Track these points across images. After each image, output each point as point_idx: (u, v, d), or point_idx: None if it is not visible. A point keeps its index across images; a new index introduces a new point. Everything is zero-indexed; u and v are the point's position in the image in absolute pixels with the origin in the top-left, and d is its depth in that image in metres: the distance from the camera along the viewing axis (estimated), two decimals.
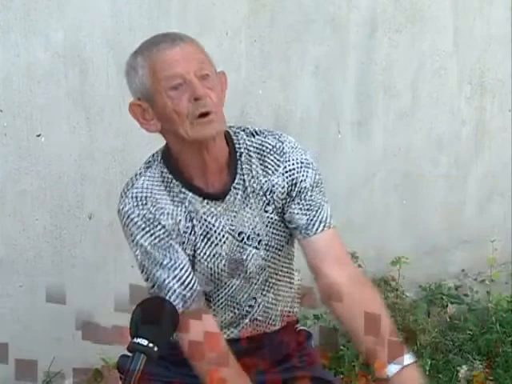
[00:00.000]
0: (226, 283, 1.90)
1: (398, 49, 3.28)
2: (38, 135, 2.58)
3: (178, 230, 1.84)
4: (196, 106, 1.75)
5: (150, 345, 1.41)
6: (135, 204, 1.82)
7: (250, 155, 1.88)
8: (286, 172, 1.87)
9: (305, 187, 1.88)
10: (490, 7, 3.49)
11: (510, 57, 3.58)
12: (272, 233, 1.90)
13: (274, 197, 1.88)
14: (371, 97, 3.27)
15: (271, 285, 1.94)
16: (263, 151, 1.88)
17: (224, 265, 1.88)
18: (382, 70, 3.26)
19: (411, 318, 3.28)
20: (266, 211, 1.88)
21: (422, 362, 3.18)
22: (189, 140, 1.79)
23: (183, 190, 1.84)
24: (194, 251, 1.87)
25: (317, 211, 1.88)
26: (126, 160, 2.73)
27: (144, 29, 2.68)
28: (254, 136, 1.89)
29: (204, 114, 1.76)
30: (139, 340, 1.42)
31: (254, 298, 1.92)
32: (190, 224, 1.85)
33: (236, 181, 1.87)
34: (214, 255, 1.87)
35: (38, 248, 2.64)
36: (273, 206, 1.89)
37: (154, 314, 1.46)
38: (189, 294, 1.81)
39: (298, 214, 1.88)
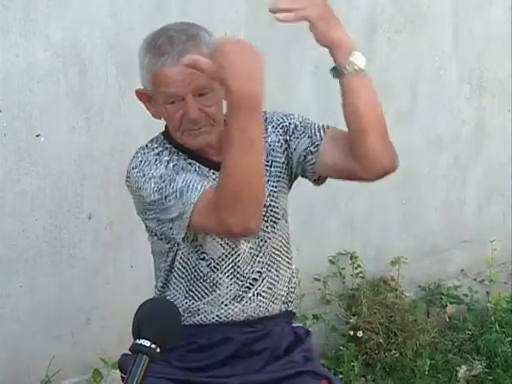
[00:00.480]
0: (233, 249, 1.93)
1: (397, 49, 3.28)
2: (38, 135, 2.57)
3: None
4: (188, 123, 1.86)
5: (153, 346, 1.41)
6: (143, 152, 1.92)
7: None
8: (275, 128, 1.98)
9: (295, 124, 1.99)
10: (489, 7, 3.49)
11: (509, 57, 3.58)
12: (268, 204, 1.95)
13: (273, 157, 1.96)
14: None
15: (274, 261, 1.99)
16: None
17: None
18: (382, 70, 3.26)
19: (410, 318, 3.29)
20: (267, 181, 1.94)
21: (421, 362, 3.19)
22: (179, 142, 1.89)
23: (189, 160, 1.92)
24: None
25: (311, 128, 1.98)
26: (125, 160, 2.69)
27: (143, 29, 2.65)
28: None
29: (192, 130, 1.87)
30: (142, 341, 1.41)
31: (259, 272, 1.96)
32: None
33: None
34: None
35: (37, 248, 2.63)
36: (271, 175, 1.96)
37: (157, 315, 1.46)
38: (204, 181, 1.82)
39: (299, 143, 1.97)
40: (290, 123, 1.99)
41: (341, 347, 3.18)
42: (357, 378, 3.13)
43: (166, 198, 1.84)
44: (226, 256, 1.93)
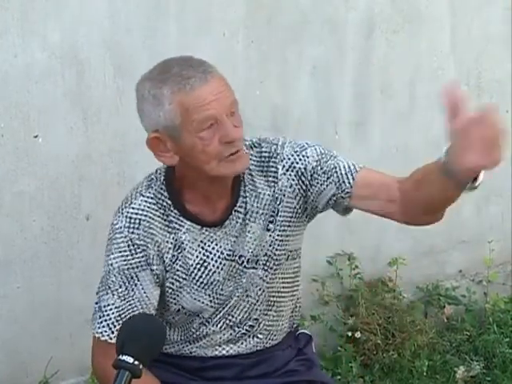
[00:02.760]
0: (224, 303, 1.88)
1: (395, 49, 3.28)
2: (36, 136, 2.57)
3: (163, 259, 1.82)
4: (226, 148, 1.72)
5: (136, 362, 1.41)
6: (127, 225, 1.81)
7: (251, 173, 1.85)
8: (287, 170, 1.84)
9: (312, 167, 1.83)
10: (487, 7, 3.49)
11: (507, 57, 3.58)
12: (271, 252, 1.87)
13: (284, 205, 1.84)
14: (368, 97, 3.26)
15: (273, 303, 1.93)
16: (263, 162, 1.85)
17: (222, 289, 1.86)
18: (380, 71, 3.26)
19: (408, 319, 3.28)
20: (268, 230, 1.85)
21: (419, 363, 3.19)
22: (211, 176, 1.75)
23: (181, 218, 1.82)
24: (182, 280, 1.84)
25: (337, 172, 1.81)
26: (123, 161, 2.73)
27: (141, 29, 2.68)
28: (252, 148, 1.86)
29: (233, 153, 1.73)
30: (125, 357, 1.41)
31: (256, 319, 1.91)
32: (176, 253, 1.83)
33: (238, 204, 1.84)
34: (211, 283, 1.86)
35: (35, 249, 2.63)
36: (277, 223, 1.85)
37: (140, 331, 1.46)
38: (117, 329, 1.78)
39: (324, 189, 1.82)
40: (304, 167, 1.82)
41: (339, 348, 3.17)
42: (355, 379, 3.13)
43: (99, 292, 1.83)
44: (217, 310, 1.88)
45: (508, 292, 3.71)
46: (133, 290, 1.80)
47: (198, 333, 1.90)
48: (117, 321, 1.80)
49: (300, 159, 1.83)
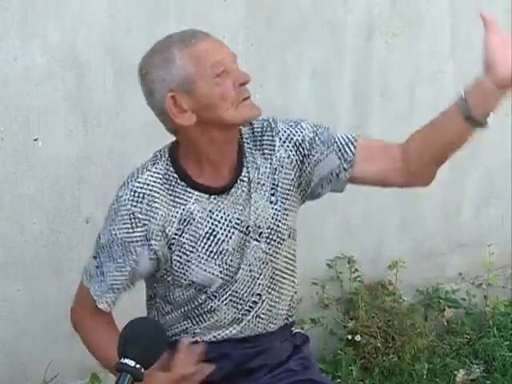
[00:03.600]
0: (232, 277, 1.90)
1: (394, 52, 3.28)
2: (35, 139, 2.57)
3: (165, 233, 1.85)
4: (240, 92, 1.80)
5: (138, 366, 1.41)
6: (131, 198, 1.85)
7: (249, 146, 1.91)
8: (284, 142, 1.91)
9: (310, 138, 1.91)
10: (487, 10, 3.48)
11: None
12: (274, 224, 1.91)
13: (282, 174, 1.90)
14: (368, 100, 3.27)
15: (276, 282, 1.95)
16: (256, 136, 1.92)
17: (231, 260, 1.88)
18: (379, 73, 3.26)
19: (408, 322, 3.28)
20: (271, 202, 1.90)
21: (419, 366, 3.19)
22: (230, 124, 1.82)
23: (188, 189, 1.86)
24: (190, 253, 1.87)
25: (336, 142, 1.92)
26: (123, 163, 2.72)
27: (141, 31, 2.68)
28: (244, 126, 1.92)
29: (246, 98, 1.81)
30: (126, 360, 1.42)
31: (259, 295, 1.93)
32: (182, 226, 1.86)
33: (243, 173, 1.89)
34: (221, 252, 1.88)
35: (35, 251, 2.63)
36: (279, 195, 1.90)
37: (142, 335, 1.46)
38: (107, 296, 1.90)
39: (324, 159, 1.91)
40: (302, 138, 1.91)
41: (339, 351, 3.17)
42: (355, 383, 3.12)
43: (98, 257, 1.90)
44: (225, 284, 1.90)
45: (508, 295, 3.71)
46: (129, 264, 1.87)
47: (204, 308, 1.91)
48: (109, 289, 1.90)
49: (296, 131, 1.92)
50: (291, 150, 1.91)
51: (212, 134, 1.83)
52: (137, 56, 2.66)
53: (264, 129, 1.92)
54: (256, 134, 1.92)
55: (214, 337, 1.94)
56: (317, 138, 1.91)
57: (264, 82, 2.96)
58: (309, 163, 1.91)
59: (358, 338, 3.19)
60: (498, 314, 3.56)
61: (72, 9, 2.54)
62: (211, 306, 1.91)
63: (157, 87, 1.81)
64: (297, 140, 1.91)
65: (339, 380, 3.10)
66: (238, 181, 1.88)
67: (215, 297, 1.91)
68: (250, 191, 1.89)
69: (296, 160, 1.91)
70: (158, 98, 1.81)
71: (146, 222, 1.84)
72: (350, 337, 3.20)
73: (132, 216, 1.84)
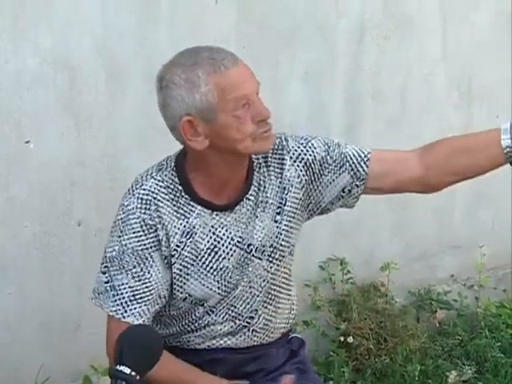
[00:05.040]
0: (230, 293, 1.89)
1: (386, 55, 3.29)
2: (27, 142, 2.57)
3: (169, 243, 1.83)
4: (260, 126, 1.77)
5: (133, 373, 1.42)
6: (139, 206, 1.82)
7: (259, 162, 1.89)
8: (294, 161, 1.88)
9: (321, 157, 1.89)
10: (477, 13, 3.51)
11: (497, 63, 3.60)
12: (277, 243, 1.89)
13: (291, 193, 1.87)
14: (360, 103, 3.27)
15: (273, 297, 1.94)
16: (266, 155, 1.89)
17: (230, 276, 1.87)
18: (371, 76, 3.27)
19: (400, 324, 3.29)
20: (276, 221, 1.88)
21: (411, 368, 3.19)
22: (243, 154, 1.79)
23: (192, 203, 1.83)
24: (190, 266, 1.85)
25: (348, 160, 1.89)
26: (115, 166, 2.73)
27: (133, 35, 2.68)
28: None
29: (265, 131, 1.79)
30: (122, 368, 1.42)
31: (256, 310, 1.92)
32: (185, 239, 1.84)
33: (250, 192, 1.87)
34: (221, 269, 1.86)
35: (27, 255, 2.63)
36: (285, 214, 1.88)
37: (138, 343, 1.47)
38: (132, 308, 1.82)
39: (336, 178, 1.89)
40: (313, 158, 1.88)
41: (331, 353, 3.17)
42: None
43: (109, 271, 1.84)
44: (223, 299, 1.89)
45: (499, 296, 3.72)
46: (149, 271, 1.82)
47: (200, 322, 1.90)
48: (130, 301, 1.81)
49: (307, 150, 1.89)
50: (301, 170, 1.88)
51: (223, 157, 1.80)
52: (129, 59, 2.69)
53: (276, 147, 1.88)
54: (268, 152, 1.88)
55: (208, 346, 1.93)
56: (328, 158, 1.89)
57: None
58: (320, 183, 1.89)
59: (350, 339, 3.19)
60: (490, 316, 3.57)
61: (64, 12, 2.54)
62: (208, 321, 1.90)
63: (174, 104, 1.77)
64: (307, 160, 1.88)
65: (332, 382, 3.10)
66: (244, 199, 1.86)
67: (213, 312, 1.90)
68: (255, 210, 1.86)
69: (306, 180, 1.89)
70: (174, 115, 1.78)
71: (156, 229, 1.82)
72: (342, 338, 3.20)
73: (143, 223, 1.81)
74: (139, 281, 1.82)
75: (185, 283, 1.86)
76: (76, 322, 2.75)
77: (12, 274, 2.62)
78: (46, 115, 2.58)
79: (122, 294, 1.82)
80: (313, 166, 1.88)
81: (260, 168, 1.88)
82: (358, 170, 1.88)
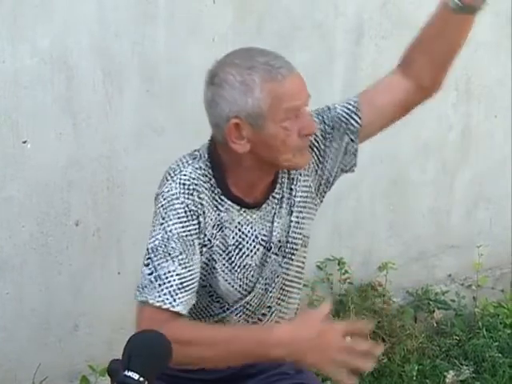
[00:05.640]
0: (249, 293, 1.87)
1: (384, 55, 3.28)
2: (24, 142, 2.57)
3: (205, 231, 1.80)
4: (303, 141, 1.76)
5: (141, 379, 1.42)
6: (182, 191, 1.77)
7: None
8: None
9: (321, 130, 1.88)
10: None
11: (495, 62, 3.60)
12: (290, 236, 1.88)
13: (301, 184, 1.87)
14: None
15: (285, 293, 1.93)
16: None
17: (252, 275, 1.86)
18: (369, 76, 3.25)
19: (398, 324, 3.29)
20: (291, 214, 1.87)
21: (408, 368, 3.20)
22: (282, 166, 1.79)
23: (222, 197, 1.81)
24: (217, 260, 1.83)
25: (341, 121, 1.89)
26: (112, 166, 2.72)
27: (131, 35, 2.68)
28: None
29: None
30: (130, 373, 1.42)
31: (269, 307, 1.91)
32: (215, 231, 1.81)
33: (276, 190, 1.87)
34: (244, 266, 1.85)
35: (24, 255, 2.62)
36: (296, 205, 1.87)
37: (147, 348, 1.47)
38: (180, 296, 1.72)
39: (340, 143, 1.89)
40: (314, 136, 1.85)
41: None
42: None
43: (153, 259, 1.73)
44: (241, 298, 1.87)
45: (497, 296, 3.72)
46: (192, 258, 1.75)
47: (214, 318, 1.88)
48: (179, 289, 1.71)
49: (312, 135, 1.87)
50: (315, 154, 1.89)
51: (259, 164, 1.78)
52: (126, 59, 2.69)
53: None
54: None
55: None
56: (326, 127, 1.89)
57: None
58: (328, 156, 1.89)
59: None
60: (488, 315, 3.57)
61: (61, 12, 2.54)
62: (223, 317, 1.89)
63: (224, 105, 1.73)
64: (310, 141, 1.85)
65: (329, 382, 3.10)
66: (270, 197, 1.85)
67: (229, 310, 1.88)
68: (277, 207, 1.86)
69: (313, 162, 1.89)
70: (221, 115, 1.74)
71: (198, 215, 1.77)
72: None
73: (187, 208, 1.76)
74: (185, 268, 1.73)
75: (209, 274, 1.83)
76: (74, 321, 2.75)
77: (9, 275, 2.62)
78: (43, 115, 2.58)
79: (169, 282, 1.71)
80: (316, 144, 1.88)
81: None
82: (351, 124, 1.89)
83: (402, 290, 3.51)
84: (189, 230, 1.76)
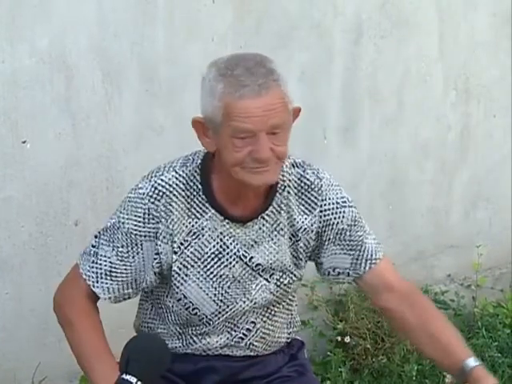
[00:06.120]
0: (229, 307, 1.88)
1: (383, 55, 3.29)
2: (24, 142, 2.57)
3: (172, 238, 1.82)
4: (253, 162, 1.72)
5: (139, 383, 1.42)
6: (151, 194, 1.81)
7: (289, 191, 1.87)
8: (322, 212, 1.88)
9: (342, 228, 1.89)
10: (474, 13, 3.51)
11: (494, 62, 3.60)
12: (289, 271, 1.89)
13: (307, 237, 1.88)
14: (357, 103, 3.27)
15: (272, 312, 1.93)
16: (302, 187, 1.88)
17: (228, 287, 1.86)
18: (368, 76, 3.27)
19: None
20: (295, 249, 1.88)
21: (408, 368, 3.20)
22: (234, 177, 1.77)
23: (206, 205, 1.82)
24: (190, 267, 1.84)
25: (360, 250, 1.91)
26: (111, 166, 2.73)
27: (130, 35, 2.68)
28: (294, 167, 1.88)
29: (257, 168, 1.74)
30: (128, 377, 1.43)
31: (253, 323, 1.91)
32: (190, 239, 1.83)
33: (267, 212, 1.85)
34: (220, 276, 1.85)
35: (23, 255, 2.62)
36: (303, 246, 1.88)
37: (145, 352, 1.47)
38: (104, 281, 1.84)
39: (339, 255, 1.90)
40: (337, 222, 1.89)
41: (328, 353, 3.17)
42: None
43: (99, 240, 1.87)
44: (220, 313, 1.88)
45: (496, 296, 3.72)
46: (133, 256, 1.83)
47: (196, 331, 1.90)
48: (106, 274, 1.84)
49: (337, 213, 1.89)
50: (321, 224, 1.89)
51: (229, 172, 1.78)
52: (125, 59, 2.69)
53: (314, 185, 1.88)
54: (304, 184, 1.87)
55: (205, 351, 1.93)
56: (348, 233, 1.90)
57: None
58: (325, 247, 1.91)
59: (347, 339, 3.19)
60: (487, 315, 3.58)
61: (60, 12, 2.54)
62: (204, 331, 1.90)
63: (202, 100, 1.75)
64: (330, 221, 1.88)
65: (329, 382, 3.10)
66: (259, 217, 1.84)
67: (209, 324, 1.89)
68: (272, 232, 1.86)
69: (316, 239, 1.90)
70: (200, 107, 1.77)
71: (158, 221, 1.81)
72: (339, 338, 3.20)
73: (147, 212, 1.81)
74: (121, 260, 1.84)
75: (182, 283, 1.85)
76: None
77: (9, 275, 2.62)
78: (42, 115, 2.58)
79: (101, 264, 1.85)
80: (332, 229, 1.89)
81: (290, 194, 1.87)
82: (359, 263, 1.91)
83: None
84: (140, 231, 1.82)
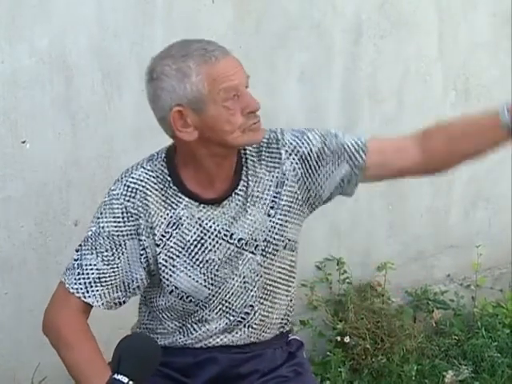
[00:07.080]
0: (220, 288, 1.89)
1: (382, 55, 3.29)
2: (23, 142, 2.57)
3: (153, 232, 1.85)
4: (249, 118, 1.78)
5: (130, 383, 1.42)
6: (124, 193, 1.84)
7: (252, 159, 1.89)
8: (290, 154, 1.89)
9: (318, 149, 1.89)
10: (474, 13, 3.51)
11: (494, 62, 3.60)
12: (270, 237, 1.89)
13: (286, 188, 1.88)
14: (356, 102, 3.27)
15: (269, 292, 1.94)
16: (261, 148, 1.90)
17: (217, 270, 1.87)
18: (367, 76, 3.27)
19: (397, 324, 3.29)
20: (269, 215, 1.89)
21: (408, 368, 3.20)
22: (232, 146, 1.80)
23: (179, 194, 1.85)
24: (176, 258, 1.86)
25: (345, 150, 1.90)
26: (111, 166, 2.72)
27: (129, 35, 2.68)
28: None
29: (254, 123, 1.79)
30: (120, 377, 1.43)
31: (251, 306, 1.92)
32: (171, 230, 1.85)
33: (239, 187, 1.87)
34: (207, 261, 1.87)
35: (23, 255, 2.62)
36: (279, 207, 1.88)
37: (137, 352, 1.47)
38: (95, 289, 1.84)
39: (336, 169, 1.90)
40: (309, 150, 1.89)
41: (328, 353, 3.17)
42: None
43: (82, 250, 1.87)
44: (213, 296, 1.89)
45: (496, 296, 3.72)
46: (119, 257, 1.85)
47: (194, 318, 1.90)
48: (95, 282, 1.84)
49: (303, 143, 1.89)
50: (297, 163, 1.89)
51: (212, 149, 1.81)
52: (125, 59, 2.69)
53: (270, 141, 1.90)
54: (262, 145, 1.89)
55: (205, 344, 1.93)
56: (326, 149, 1.89)
57: (252, 85, 2.96)
58: (318, 175, 1.90)
59: (346, 339, 3.19)
60: (486, 315, 3.58)
61: (60, 12, 2.54)
62: (202, 316, 1.91)
63: (165, 95, 1.77)
64: (303, 152, 1.89)
65: (328, 382, 3.10)
66: (233, 194, 1.87)
67: (206, 307, 1.90)
68: (245, 205, 1.87)
69: (302, 173, 1.90)
70: (164, 106, 1.78)
71: (137, 217, 1.84)
72: (338, 338, 3.20)
73: (124, 210, 1.84)
74: (108, 264, 1.85)
75: (171, 275, 1.87)
76: None
77: (8, 274, 2.62)
78: (42, 115, 2.58)
79: (87, 274, 1.84)
80: (309, 158, 1.89)
81: (253, 162, 1.89)
82: (355, 158, 1.90)
83: (401, 290, 3.51)
84: (121, 231, 1.84)
